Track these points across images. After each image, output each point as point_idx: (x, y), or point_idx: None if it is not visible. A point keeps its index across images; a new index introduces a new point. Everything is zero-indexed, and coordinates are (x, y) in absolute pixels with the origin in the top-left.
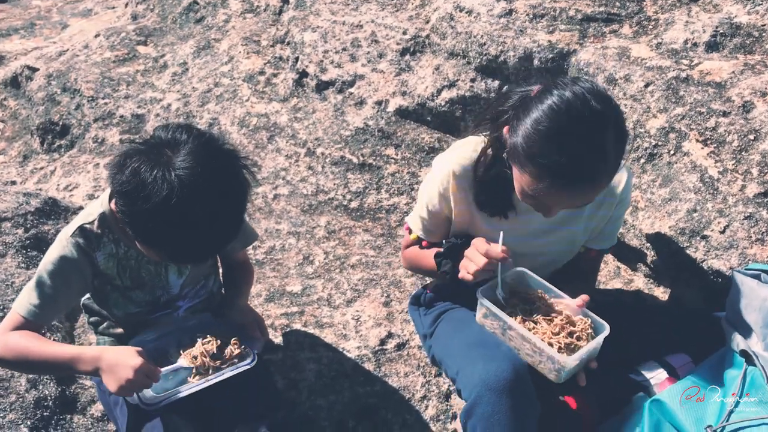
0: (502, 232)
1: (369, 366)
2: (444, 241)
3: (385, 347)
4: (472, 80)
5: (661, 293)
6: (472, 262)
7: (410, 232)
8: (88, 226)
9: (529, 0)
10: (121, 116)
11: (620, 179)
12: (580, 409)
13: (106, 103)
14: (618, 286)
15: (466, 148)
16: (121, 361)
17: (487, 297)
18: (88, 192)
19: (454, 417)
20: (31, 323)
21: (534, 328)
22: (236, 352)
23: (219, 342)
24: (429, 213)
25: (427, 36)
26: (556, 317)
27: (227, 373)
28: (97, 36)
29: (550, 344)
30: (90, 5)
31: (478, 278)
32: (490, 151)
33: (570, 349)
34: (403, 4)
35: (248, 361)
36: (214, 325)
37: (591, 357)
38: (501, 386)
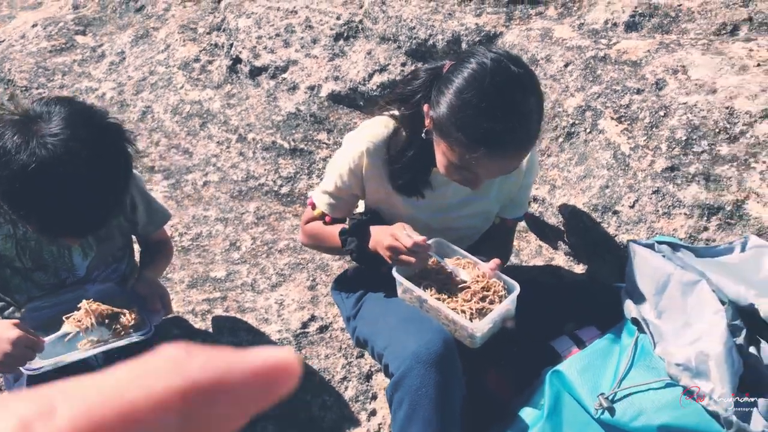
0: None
1: (289, 349)
2: (348, 218)
3: (307, 330)
4: (403, 64)
5: (580, 269)
6: (402, 257)
7: (314, 207)
8: None
9: None
10: None
11: None
12: (497, 387)
13: (40, 93)
14: (540, 264)
15: (377, 127)
16: None
17: (402, 273)
18: None
19: (374, 397)
20: None
21: (449, 298)
22: (132, 322)
23: (109, 308)
24: (337, 188)
25: (360, 21)
26: (470, 284)
27: (118, 342)
28: (34, 26)
29: (463, 311)
30: None
31: (418, 267)
32: (403, 132)
33: (482, 314)
34: None
35: (143, 331)
36: (116, 295)
37: (506, 317)
38: (431, 359)
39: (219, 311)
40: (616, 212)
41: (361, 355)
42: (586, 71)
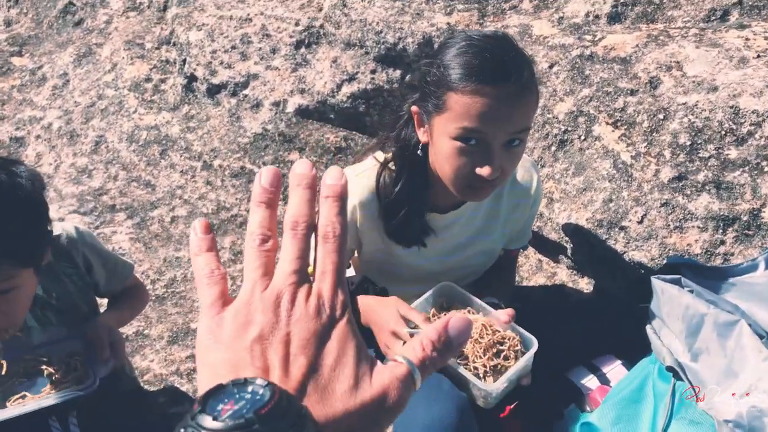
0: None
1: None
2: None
3: None
4: (373, 72)
5: (585, 285)
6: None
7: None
8: None
9: None
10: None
11: (531, 178)
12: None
13: None
14: (541, 281)
15: (364, 178)
16: None
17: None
18: None
19: None
20: None
21: (462, 352)
22: (75, 373)
23: (39, 363)
24: None
25: (321, 25)
26: (483, 338)
27: (50, 401)
28: None
29: (476, 369)
30: None
31: None
32: (391, 174)
33: (497, 371)
34: None
35: (84, 386)
36: (64, 341)
37: (522, 375)
38: (447, 430)
39: None
40: (623, 228)
41: None
42: (573, 72)
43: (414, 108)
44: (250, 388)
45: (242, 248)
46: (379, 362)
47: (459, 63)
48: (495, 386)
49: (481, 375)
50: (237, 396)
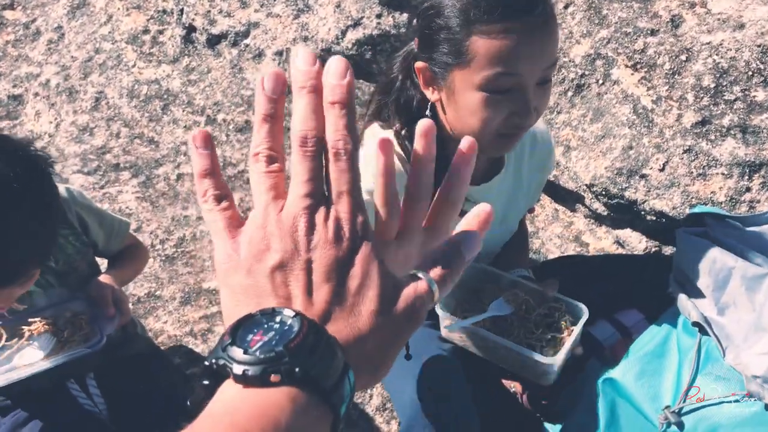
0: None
1: None
2: None
3: None
4: (378, 16)
5: (603, 234)
6: None
7: None
8: None
9: None
10: None
11: (548, 138)
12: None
13: None
14: (558, 230)
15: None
16: None
17: (445, 309)
18: None
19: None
20: None
21: (510, 330)
22: (82, 332)
23: (46, 325)
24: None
25: None
26: (531, 313)
27: (57, 361)
28: None
29: (530, 346)
30: None
31: None
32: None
33: (551, 343)
34: None
35: (91, 343)
36: (69, 301)
37: (575, 345)
38: (434, 401)
39: (221, 328)
40: (643, 176)
41: None
42: (590, 12)
43: (419, 64)
44: (278, 319)
45: (251, 205)
46: (400, 279)
47: (483, 4)
48: (556, 359)
49: (538, 351)
50: (266, 326)
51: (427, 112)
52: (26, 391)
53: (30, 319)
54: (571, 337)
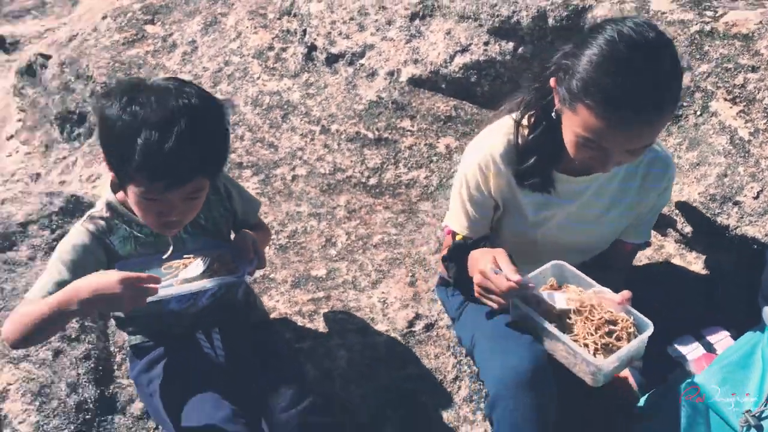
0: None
1: (399, 350)
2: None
3: (413, 329)
4: (486, 44)
5: (693, 259)
6: (491, 300)
7: (453, 236)
8: (96, 213)
9: None
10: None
11: (668, 164)
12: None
13: None
14: (648, 252)
15: (504, 131)
16: (102, 282)
17: (520, 297)
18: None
19: (487, 395)
20: None
21: (569, 328)
22: (227, 267)
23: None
24: (471, 207)
25: None
26: (594, 315)
27: (207, 284)
28: (104, 18)
29: (586, 345)
30: None
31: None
32: (524, 131)
33: (608, 349)
34: None
35: (237, 274)
36: (213, 247)
37: (634, 357)
38: (521, 381)
39: (325, 310)
40: (737, 203)
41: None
42: (691, 48)
43: (552, 81)
44: None
45: (355, 206)
46: None
47: (598, 83)
48: (605, 362)
49: (591, 352)
50: None
51: (553, 114)
52: (166, 333)
53: (185, 256)
54: (627, 346)
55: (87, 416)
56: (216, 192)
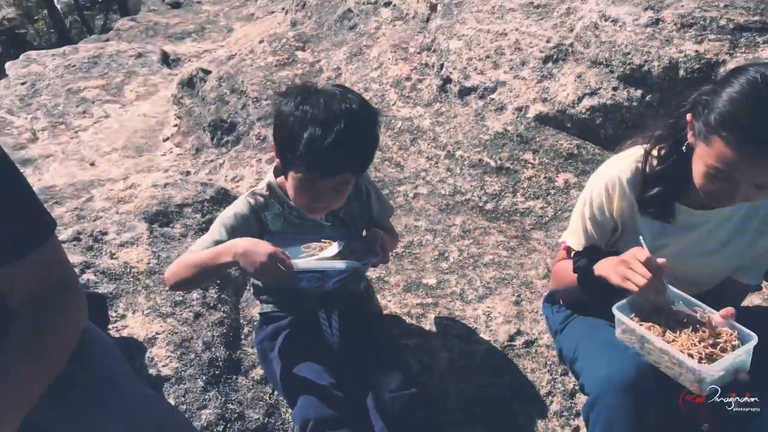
0: (641, 238)
1: (497, 359)
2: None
3: (513, 343)
4: (615, 89)
5: None
6: (635, 273)
7: (568, 252)
8: (258, 191)
9: (677, 9)
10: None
11: None
12: (704, 418)
13: (268, 104)
14: (756, 300)
15: (625, 160)
16: (255, 248)
17: (624, 312)
18: (251, 183)
19: (577, 414)
20: None
21: (674, 340)
22: (356, 255)
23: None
24: (591, 227)
25: (571, 44)
26: (698, 329)
27: (338, 264)
28: (261, 42)
29: (690, 356)
30: (252, 10)
31: (645, 294)
32: (661, 151)
33: (712, 360)
34: (548, 12)
35: (363, 262)
36: (344, 238)
37: (739, 368)
38: (623, 383)
39: (431, 315)
40: None
41: (565, 373)
42: None
43: (689, 116)
44: None
45: (470, 226)
46: None
47: (736, 118)
48: (710, 369)
49: (696, 361)
50: None
51: (683, 148)
52: (294, 307)
53: (322, 240)
54: (731, 354)
55: (216, 372)
56: (358, 191)
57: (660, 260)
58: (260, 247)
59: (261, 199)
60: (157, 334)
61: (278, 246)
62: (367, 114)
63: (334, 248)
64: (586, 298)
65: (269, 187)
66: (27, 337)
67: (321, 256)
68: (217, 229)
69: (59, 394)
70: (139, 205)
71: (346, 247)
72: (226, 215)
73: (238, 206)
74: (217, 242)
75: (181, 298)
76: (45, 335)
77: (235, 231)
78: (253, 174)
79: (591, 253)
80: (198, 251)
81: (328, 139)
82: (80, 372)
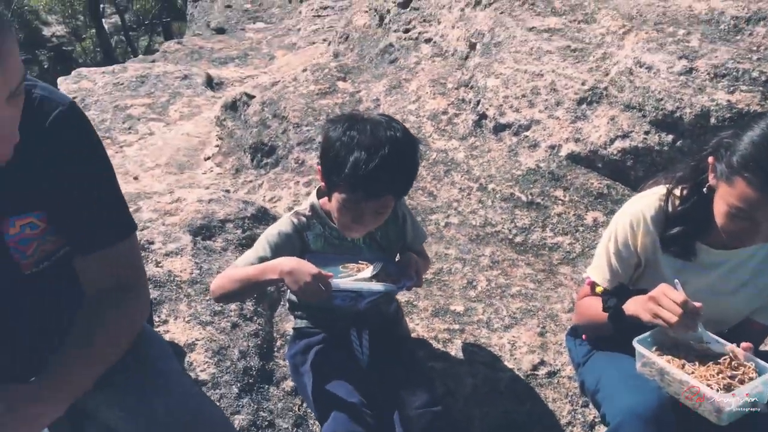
0: (677, 281)
1: (520, 387)
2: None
3: (536, 373)
4: (646, 133)
5: None
6: (666, 310)
7: (592, 287)
8: (302, 211)
9: (711, 60)
10: (320, 143)
11: None
12: None
13: (308, 130)
14: None
15: (649, 198)
16: (300, 268)
17: (644, 346)
18: (289, 205)
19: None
20: None
21: (693, 372)
22: (390, 278)
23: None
24: (616, 263)
25: (605, 88)
26: (717, 362)
27: (375, 286)
28: (304, 71)
29: (709, 386)
30: (294, 39)
31: (678, 332)
32: (683, 192)
33: (730, 391)
34: (584, 56)
35: (397, 285)
36: (381, 261)
37: (758, 399)
38: (646, 414)
39: (458, 342)
40: None
41: (586, 405)
42: None
43: (711, 158)
44: None
45: (499, 257)
46: None
47: (758, 159)
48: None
49: (715, 392)
50: None
51: (704, 189)
52: (327, 324)
53: (360, 261)
54: (749, 384)
55: (250, 380)
56: (395, 216)
57: (697, 304)
58: (305, 267)
59: (303, 219)
60: (197, 340)
61: (319, 265)
62: (410, 142)
63: (371, 270)
64: (608, 334)
65: (312, 208)
66: (83, 327)
67: (358, 277)
68: (261, 246)
69: (110, 384)
70: (185, 218)
71: (382, 270)
72: (270, 233)
73: (282, 225)
74: (262, 258)
75: (219, 309)
76: (98, 328)
77: (278, 248)
78: (290, 196)
79: (619, 292)
80: (244, 267)
81: (373, 162)
82: (134, 365)
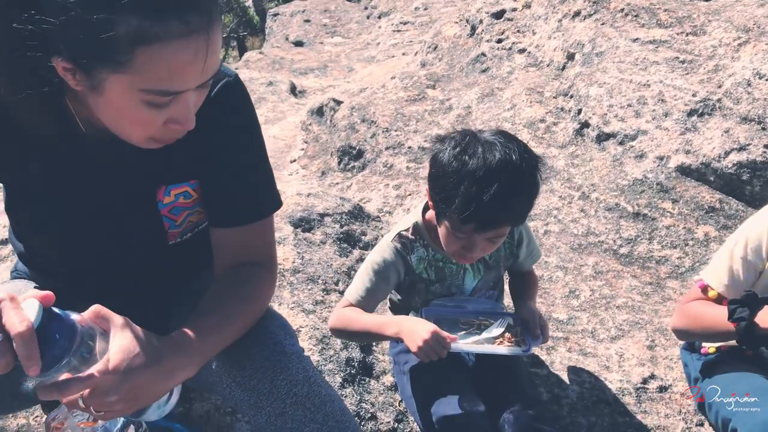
0: None
1: (629, 400)
2: (744, 291)
3: (646, 386)
4: (766, 146)
5: None
6: None
7: (703, 290)
8: (404, 233)
9: None
10: (409, 147)
11: None
12: None
13: (397, 135)
14: None
15: None
16: (418, 328)
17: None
18: (378, 207)
19: None
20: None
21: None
22: (515, 338)
23: (500, 324)
24: (745, 264)
25: (719, 100)
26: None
27: (500, 350)
28: (392, 78)
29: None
30: (373, 53)
31: None
32: None
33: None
34: (694, 68)
35: (523, 348)
36: (507, 316)
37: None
38: None
39: (562, 349)
40: None
41: (701, 424)
42: None
43: None
44: None
45: (603, 268)
46: None
47: None
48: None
49: None
50: None
51: None
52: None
53: (480, 317)
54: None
55: (352, 371)
56: (510, 235)
57: None
58: (424, 327)
59: (406, 242)
60: (301, 327)
61: (436, 321)
62: (528, 164)
63: (496, 329)
64: (725, 341)
65: (415, 228)
66: (218, 297)
67: (482, 337)
68: (367, 276)
69: (233, 357)
70: (285, 210)
71: (507, 329)
72: (374, 260)
73: (385, 252)
74: (368, 290)
75: (321, 299)
76: (233, 298)
77: (382, 277)
78: (380, 197)
79: (752, 300)
80: (360, 313)
81: (485, 196)
82: (256, 339)
